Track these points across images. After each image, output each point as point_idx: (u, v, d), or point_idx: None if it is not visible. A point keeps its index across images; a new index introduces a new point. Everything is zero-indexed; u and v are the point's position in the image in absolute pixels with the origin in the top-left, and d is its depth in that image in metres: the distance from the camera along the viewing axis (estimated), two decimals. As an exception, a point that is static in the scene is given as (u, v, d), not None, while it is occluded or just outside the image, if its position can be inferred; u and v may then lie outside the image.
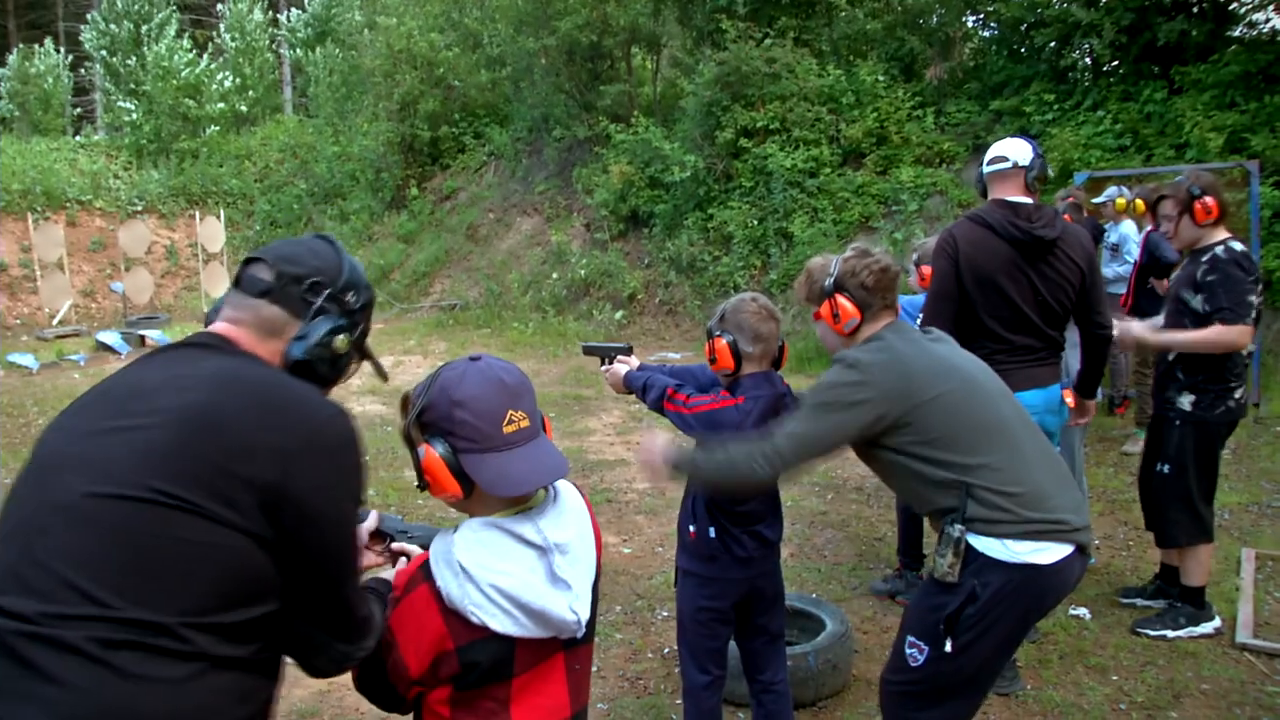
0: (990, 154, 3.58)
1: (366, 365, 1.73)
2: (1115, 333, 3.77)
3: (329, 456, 1.41)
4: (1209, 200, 3.79)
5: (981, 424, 2.34)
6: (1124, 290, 6.62)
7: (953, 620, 2.28)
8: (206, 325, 1.59)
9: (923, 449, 2.33)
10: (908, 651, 2.40)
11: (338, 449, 1.43)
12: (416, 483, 1.56)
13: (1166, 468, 3.91)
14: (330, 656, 1.49)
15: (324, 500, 1.39)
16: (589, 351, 3.31)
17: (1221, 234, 3.86)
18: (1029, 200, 3.48)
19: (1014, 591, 2.25)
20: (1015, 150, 3.52)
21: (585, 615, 1.55)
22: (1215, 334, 3.71)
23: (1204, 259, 3.81)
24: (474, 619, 1.45)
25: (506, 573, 1.47)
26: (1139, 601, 4.22)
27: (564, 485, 1.66)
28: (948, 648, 2.29)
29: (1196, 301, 3.79)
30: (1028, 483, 2.29)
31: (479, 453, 1.50)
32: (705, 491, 2.67)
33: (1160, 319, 4.06)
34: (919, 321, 3.57)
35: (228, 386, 1.39)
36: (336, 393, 1.70)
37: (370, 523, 1.87)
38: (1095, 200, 7.31)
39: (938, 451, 2.32)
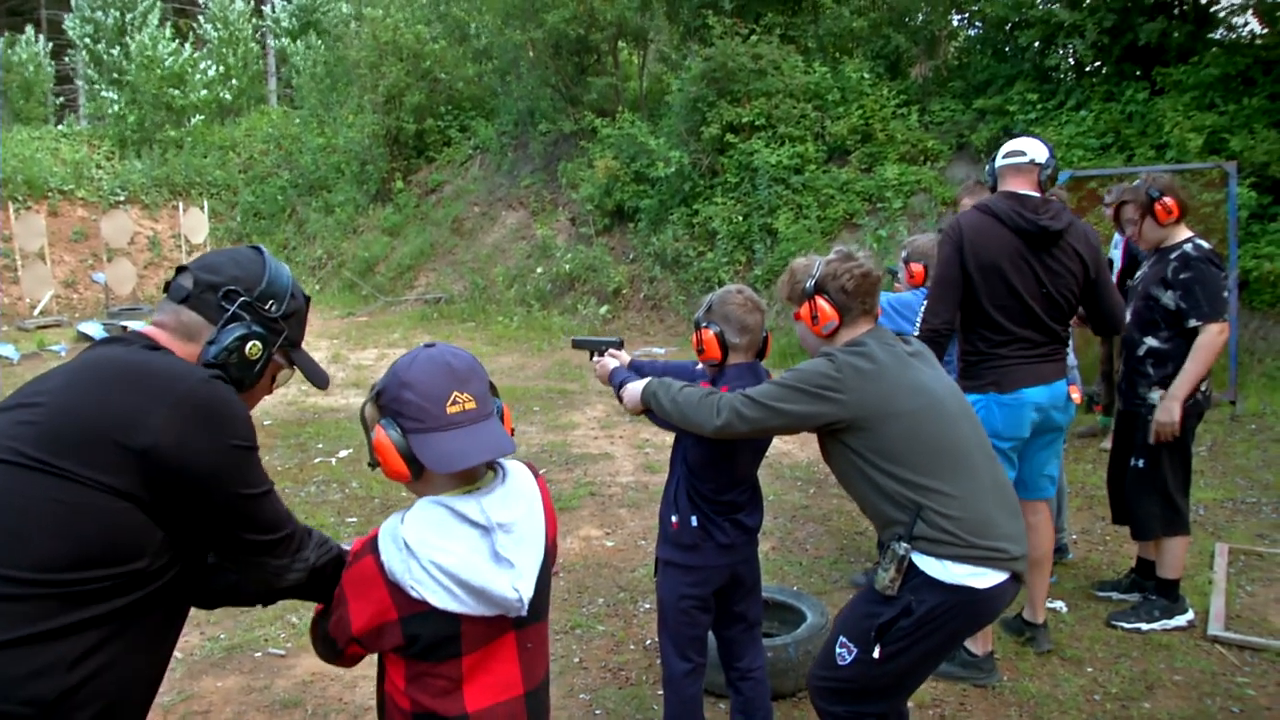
0: (1006, 148, 3.60)
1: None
2: (1155, 421, 3.82)
3: (196, 416, 1.50)
4: (1168, 200, 3.85)
5: (941, 447, 2.40)
6: None
7: (884, 629, 2.37)
8: None
9: (879, 459, 2.41)
10: (837, 650, 2.47)
11: (204, 407, 1.51)
12: (368, 461, 1.64)
13: (1141, 462, 3.96)
14: (268, 571, 1.64)
15: (200, 457, 1.49)
16: (579, 346, 3.31)
17: (1185, 232, 3.93)
18: (1038, 194, 3.50)
19: (947, 611, 2.33)
20: (1032, 147, 3.55)
21: (528, 594, 1.59)
22: (1206, 347, 3.75)
23: (1173, 256, 3.86)
24: (414, 594, 1.51)
25: (447, 550, 1.53)
26: (1114, 595, 4.28)
27: (515, 467, 1.71)
28: (875, 654, 2.37)
29: (1169, 298, 3.84)
30: (977, 510, 2.36)
31: (423, 432, 1.57)
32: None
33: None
34: (923, 309, 3.61)
35: (101, 366, 1.52)
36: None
37: None
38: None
39: (894, 466, 2.39)
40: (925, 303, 3.61)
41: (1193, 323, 3.78)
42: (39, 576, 1.36)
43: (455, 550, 1.53)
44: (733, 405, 2.48)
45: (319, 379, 1.86)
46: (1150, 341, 3.92)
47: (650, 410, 2.71)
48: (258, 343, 1.66)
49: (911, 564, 2.35)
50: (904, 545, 2.35)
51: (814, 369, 2.47)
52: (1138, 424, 3.96)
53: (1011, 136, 3.77)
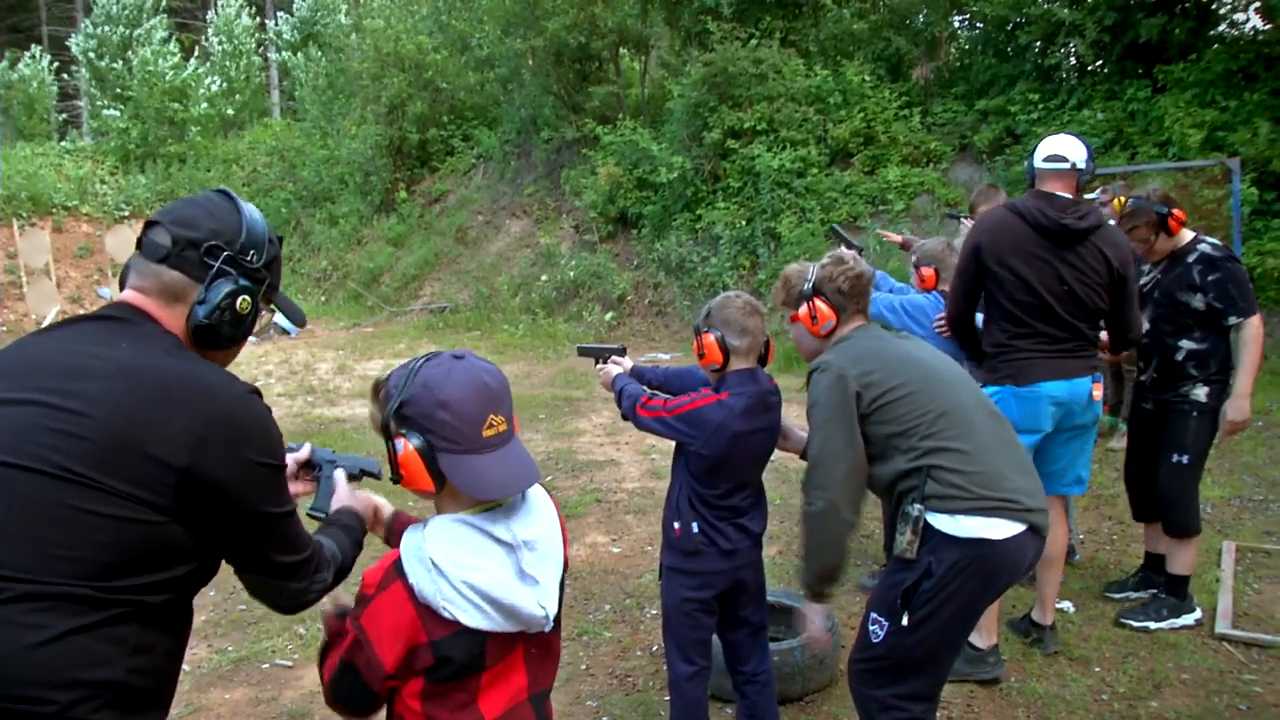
0: (1046, 150, 3.60)
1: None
2: (1227, 419, 3.91)
3: (232, 434, 1.49)
4: (1177, 212, 3.90)
5: (940, 410, 2.45)
6: None
7: (909, 594, 2.40)
8: (120, 286, 1.66)
9: (884, 429, 2.47)
10: (870, 628, 2.51)
11: (239, 426, 1.51)
12: (390, 476, 1.58)
13: (1185, 458, 3.97)
14: (287, 595, 1.67)
15: (237, 476, 1.49)
16: (584, 353, 3.41)
17: (1189, 233, 3.97)
18: (1070, 196, 3.52)
19: (967, 567, 2.36)
20: (1074, 152, 3.55)
21: (553, 610, 1.58)
22: (1254, 340, 3.83)
23: (1190, 260, 3.89)
24: (446, 614, 1.47)
25: (478, 568, 1.49)
26: (1129, 595, 4.26)
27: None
28: (904, 621, 2.40)
29: (1198, 301, 3.86)
30: (983, 463, 2.41)
31: (457, 454, 1.52)
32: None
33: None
34: (937, 321, 3.73)
35: (140, 376, 1.48)
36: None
37: (302, 454, 2.03)
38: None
39: (899, 437, 2.45)
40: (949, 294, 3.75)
41: (1232, 320, 3.83)
42: (84, 581, 1.38)
43: (485, 568, 1.50)
44: (812, 483, 2.50)
45: (297, 317, 1.88)
46: (1187, 345, 3.94)
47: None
48: (247, 297, 1.63)
49: (927, 524, 2.40)
50: (917, 507, 2.40)
51: (817, 392, 2.54)
52: (1183, 421, 3.97)
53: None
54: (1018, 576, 2.51)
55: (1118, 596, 4.28)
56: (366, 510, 2.01)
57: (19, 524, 1.37)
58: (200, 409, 1.47)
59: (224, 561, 1.61)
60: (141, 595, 1.43)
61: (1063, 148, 3.58)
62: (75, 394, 1.44)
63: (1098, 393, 3.60)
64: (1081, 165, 3.53)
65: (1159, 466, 4.05)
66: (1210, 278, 3.83)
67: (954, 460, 2.40)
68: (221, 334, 1.61)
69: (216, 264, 1.60)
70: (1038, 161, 3.62)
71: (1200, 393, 3.92)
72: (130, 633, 1.42)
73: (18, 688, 1.32)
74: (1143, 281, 4.09)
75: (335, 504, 2.01)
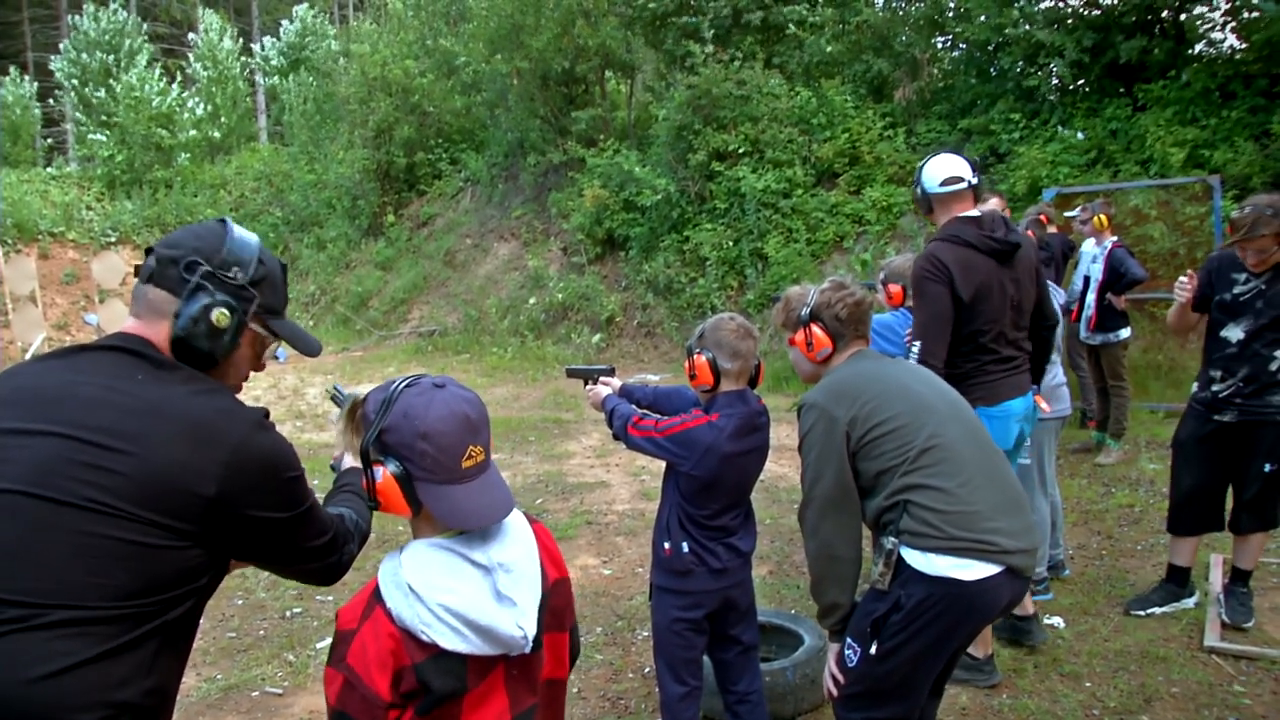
0: (939, 174, 3.55)
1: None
2: None
3: (254, 465, 1.58)
4: None
5: (924, 446, 2.43)
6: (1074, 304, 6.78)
7: (879, 624, 2.41)
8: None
9: (873, 465, 2.45)
10: (847, 652, 2.52)
11: (261, 454, 1.60)
12: (368, 501, 1.59)
13: (1275, 465, 4.02)
14: (321, 572, 1.80)
15: (263, 499, 1.60)
16: (573, 374, 3.42)
17: None
18: (979, 212, 3.56)
19: (936, 604, 2.34)
20: (964, 169, 3.55)
21: (532, 631, 1.57)
22: None
23: None
24: (424, 637, 1.48)
25: (453, 591, 1.50)
26: (1153, 610, 4.26)
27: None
28: (873, 650, 2.41)
29: None
30: (963, 504, 2.37)
31: (435, 483, 1.53)
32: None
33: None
34: (917, 350, 3.58)
35: (171, 415, 1.54)
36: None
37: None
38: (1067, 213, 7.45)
39: (886, 474, 2.44)
40: (920, 343, 3.50)
41: None
42: (115, 604, 1.44)
43: (461, 591, 1.50)
44: (811, 527, 2.54)
45: (309, 349, 1.85)
46: None
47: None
48: (224, 310, 1.64)
49: (900, 558, 2.40)
50: (891, 540, 2.40)
51: (804, 432, 2.54)
52: (1275, 432, 3.99)
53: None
54: (992, 616, 2.49)
55: (1143, 614, 4.26)
56: None
57: (48, 553, 1.42)
58: (224, 444, 1.54)
59: (227, 571, 1.68)
60: (165, 612, 1.50)
61: (957, 168, 3.55)
62: (102, 428, 1.49)
63: (1044, 405, 3.75)
64: (974, 180, 3.55)
65: (1247, 475, 4.08)
66: None
67: (931, 498, 2.38)
68: (197, 347, 1.62)
69: (194, 279, 1.63)
70: (934, 186, 3.57)
71: None
72: (148, 654, 1.49)
73: (49, 712, 1.37)
74: (1237, 291, 4.06)
75: (344, 463, 2.13)
